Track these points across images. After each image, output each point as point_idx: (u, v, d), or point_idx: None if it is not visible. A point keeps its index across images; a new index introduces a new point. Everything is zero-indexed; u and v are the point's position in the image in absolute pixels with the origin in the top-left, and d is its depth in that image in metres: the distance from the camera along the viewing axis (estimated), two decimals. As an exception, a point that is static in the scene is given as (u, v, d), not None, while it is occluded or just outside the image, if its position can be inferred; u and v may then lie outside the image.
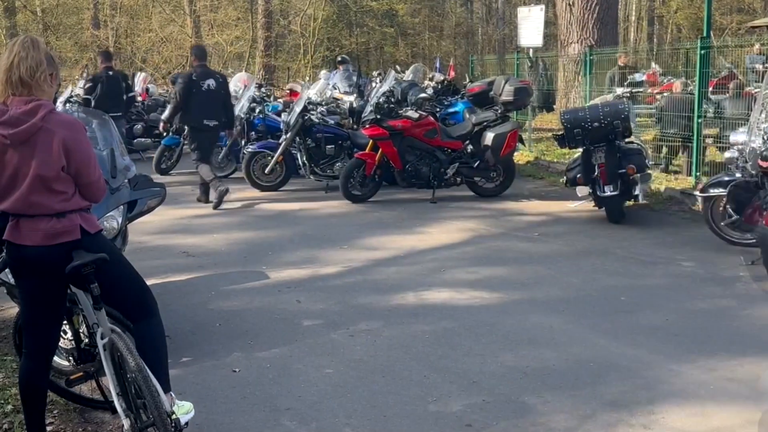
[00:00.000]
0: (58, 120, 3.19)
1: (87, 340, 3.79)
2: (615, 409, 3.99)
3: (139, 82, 16.66)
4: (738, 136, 7.14)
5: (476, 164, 9.94)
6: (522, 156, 12.74)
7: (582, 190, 8.52)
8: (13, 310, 5.20)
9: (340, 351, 4.87)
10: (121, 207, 4.89)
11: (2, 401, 4.08)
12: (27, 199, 3.14)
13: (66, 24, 29.27)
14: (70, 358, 4.01)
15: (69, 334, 3.90)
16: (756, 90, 9.00)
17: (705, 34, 9.61)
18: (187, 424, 3.40)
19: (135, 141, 13.95)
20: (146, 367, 3.21)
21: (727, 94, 10.17)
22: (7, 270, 3.45)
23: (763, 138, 6.62)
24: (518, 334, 5.10)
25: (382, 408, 4.07)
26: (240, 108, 11.98)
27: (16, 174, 3.13)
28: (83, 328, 3.77)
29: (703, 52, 9.26)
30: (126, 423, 3.37)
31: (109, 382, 3.47)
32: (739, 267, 6.56)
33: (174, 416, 3.25)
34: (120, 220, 4.86)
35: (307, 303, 5.84)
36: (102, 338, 3.44)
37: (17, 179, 3.14)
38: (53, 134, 3.14)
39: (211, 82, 9.57)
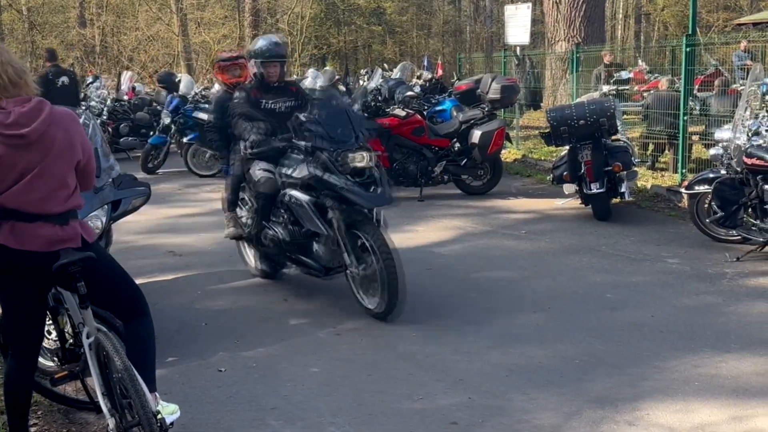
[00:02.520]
0: (62, 114, 3.19)
1: (72, 340, 3.77)
2: (600, 406, 4.01)
3: (126, 80, 16.56)
4: (723, 133, 7.16)
5: (463, 162, 9.94)
6: (509, 154, 12.77)
7: (569, 188, 8.55)
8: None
9: (326, 350, 4.86)
10: (105, 206, 4.88)
11: (-14, 402, 4.06)
12: (36, 196, 3.11)
13: (52, 23, 29.11)
14: (55, 358, 3.99)
15: (54, 335, 3.88)
16: (741, 87, 9.05)
17: (691, 32, 9.65)
18: (172, 424, 3.39)
19: (121, 140, 13.88)
20: (132, 367, 3.20)
21: (713, 92, 10.23)
22: None
23: (747, 135, 6.66)
24: (504, 332, 5.11)
25: (368, 406, 4.07)
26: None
27: (22, 172, 3.09)
28: (68, 328, 3.75)
29: (688, 49, 9.30)
30: (111, 422, 3.35)
31: (94, 381, 3.45)
32: (725, 264, 6.59)
33: (159, 416, 3.24)
34: (104, 219, 4.86)
35: (293, 302, 5.83)
36: (88, 337, 3.42)
37: (23, 177, 3.10)
38: (67, 129, 3.17)
39: (65, 78, 11.14)
